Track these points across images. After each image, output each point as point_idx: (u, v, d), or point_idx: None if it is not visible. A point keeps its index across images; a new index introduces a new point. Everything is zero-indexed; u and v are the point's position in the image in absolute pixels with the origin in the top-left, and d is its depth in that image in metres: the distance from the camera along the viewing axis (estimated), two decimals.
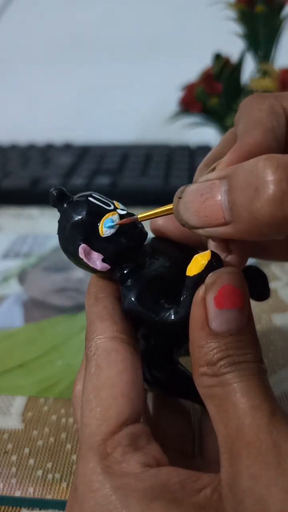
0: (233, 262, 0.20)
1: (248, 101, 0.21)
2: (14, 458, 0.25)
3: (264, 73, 0.49)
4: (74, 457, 0.25)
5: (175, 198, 0.19)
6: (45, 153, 0.67)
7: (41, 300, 0.39)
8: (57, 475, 0.24)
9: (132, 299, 0.20)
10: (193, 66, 0.54)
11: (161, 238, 0.24)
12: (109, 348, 0.19)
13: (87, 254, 0.21)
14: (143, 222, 0.22)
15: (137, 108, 0.76)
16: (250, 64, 0.52)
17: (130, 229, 0.21)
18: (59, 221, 0.22)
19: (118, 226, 0.20)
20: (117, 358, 0.19)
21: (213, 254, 0.19)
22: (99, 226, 0.20)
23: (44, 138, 0.73)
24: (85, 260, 0.21)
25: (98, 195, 0.22)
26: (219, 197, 0.17)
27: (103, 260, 0.21)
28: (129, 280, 0.21)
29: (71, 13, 0.77)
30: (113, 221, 0.20)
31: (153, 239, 0.24)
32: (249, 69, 0.52)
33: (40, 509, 0.23)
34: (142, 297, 0.20)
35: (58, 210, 0.22)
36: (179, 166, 0.60)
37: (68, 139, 0.73)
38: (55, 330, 0.35)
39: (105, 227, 0.20)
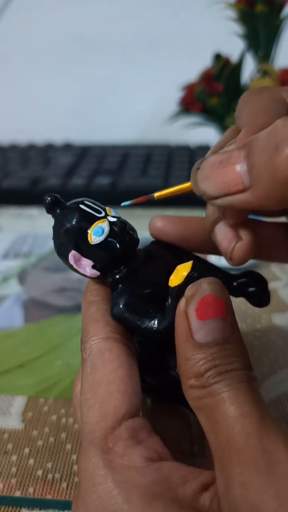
0: (243, 249, 0.21)
1: (247, 95, 0.21)
2: (14, 458, 0.25)
3: (264, 73, 0.49)
4: (74, 457, 0.25)
5: (193, 170, 0.19)
6: (45, 153, 0.67)
7: (41, 300, 0.39)
8: (57, 475, 0.24)
9: (120, 306, 0.20)
10: (193, 66, 0.54)
11: (157, 242, 0.24)
12: (103, 348, 0.19)
13: (76, 261, 0.21)
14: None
15: (137, 108, 0.76)
16: (250, 64, 0.52)
17: (120, 236, 0.21)
18: (53, 227, 0.22)
19: (107, 234, 0.21)
20: (111, 357, 0.19)
21: (194, 265, 0.19)
22: (88, 234, 0.21)
23: (44, 138, 0.73)
24: (75, 266, 0.21)
25: (91, 202, 0.22)
26: (238, 163, 0.17)
27: (93, 267, 0.21)
28: (119, 286, 0.21)
29: (71, 13, 0.77)
30: (102, 229, 0.21)
31: (150, 243, 0.24)
32: (249, 69, 0.52)
33: (40, 509, 0.23)
34: (130, 305, 0.20)
35: (52, 216, 0.22)
36: (179, 166, 0.60)
37: (68, 139, 0.73)
38: (55, 330, 0.35)
39: (94, 235, 0.21)
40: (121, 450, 0.17)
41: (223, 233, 0.21)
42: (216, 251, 0.24)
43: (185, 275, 0.19)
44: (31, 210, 0.55)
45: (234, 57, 0.52)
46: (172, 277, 0.19)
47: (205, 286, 0.18)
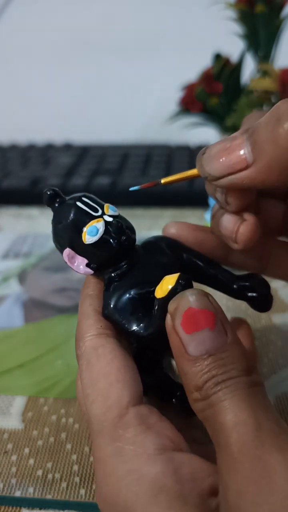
0: (248, 229, 0.21)
1: (251, 114, 0.23)
2: (14, 458, 0.25)
3: (264, 73, 0.49)
4: (74, 457, 0.25)
5: (199, 155, 0.20)
6: (45, 153, 0.67)
7: (41, 300, 0.39)
8: (57, 475, 0.24)
9: (111, 306, 0.21)
10: (193, 66, 0.53)
11: (159, 237, 0.24)
12: (96, 344, 0.20)
13: (70, 258, 0.21)
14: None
15: (137, 108, 0.76)
16: (250, 64, 0.52)
17: (115, 236, 0.21)
18: (52, 221, 0.22)
19: (102, 233, 0.20)
20: (104, 351, 0.20)
21: (180, 278, 0.19)
22: (83, 233, 0.20)
23: (44, 138, 0.73)
24: (68, 264, 0.21)
25: (89, 199, 0.22)
26: (242, 148, 0.18)
27: (87, 265, 0.21)
28: (113, 285, 0.21)
29: (71, 13, 0.77)
30: (97, 229, 0.20)
31: (151, 239, 0.24)
32: (249, 69, 0.52)
33: (40, 509, 0.23)
34: (120, 307, 0.20)
35: (52, 210, 0.22)
36: (179, 166, 0.60)
37: (68, 139, 0.73)
38: (55, 330, 0.35)
39: (88, 235, 0.20)
40: (131, 436, 0.17)
41: (227, 220, 0.21)
42: (224, 260, 0.25)
43: (169, 289, 0.19)
44: (31, 210, 0.55)
45: (234, 57, 0.52)
46: (157, 287, 0.19)
47: (186, 299, 0.18)
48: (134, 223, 0.22)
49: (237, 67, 0.52)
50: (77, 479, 0.24)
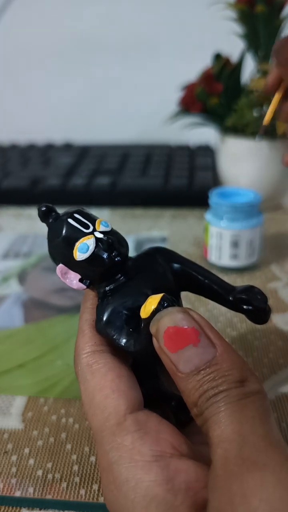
0: None
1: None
2: (14, 458, 0.25)
3: (264, 73, 0.49)
4: (74, 457, 0.25)
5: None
6: (45, 153, 0.67)
7: (41, 300, 0.39)
8: (57, 475, 0.24)
9: (102, 321, 0.21)
10: (193, 66, 0.53)
11: (155, 249, 0.24)
12: (90, 361, 0.20)
13: (63, 274, 0.22)
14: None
15: (137, 108, 0.76)
16: (250, 64, 0.52)
17: (105, 253, 0.21)
18: (46, 237, 0.22)
19: (92, 250, 0.21)
20: (98, 367, 0.20)
21: (163, 299, 0.19)
22: (74, 250, 0.21)
23: (44, 138, 0.73)
24: (61, 279, 0.22)
25: (81, 215, 0.22)
26: None
27: (80, 280, 0.21)
28: (105, 299, 0.21)
29: (72, 13, 0.77)
30: (87, 246, 0.21)
31: (146, 251, 0.24)
32: (249, 69, 0.52)
33: (40, 509, 0.23)
34: (111, 321, 0.21)
35: (46, 225, 0.22)
36: (179, 166, 0.60)
37: (68, 139, 0.73)
38: (55, 330, 0.35)
39: (79, 251, 0.21)
40: (129, 443, 0.18)
41: None
42: None
43: (152, 310, 0.19)
44: (31, 210, 0.55)
45: (234, 57, 0.52)
46: (142, 307, 0.19)
47: (164, 320, 0.18)
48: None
49: (237, 67, 0.52)
50: (77, 479, 0.24)
